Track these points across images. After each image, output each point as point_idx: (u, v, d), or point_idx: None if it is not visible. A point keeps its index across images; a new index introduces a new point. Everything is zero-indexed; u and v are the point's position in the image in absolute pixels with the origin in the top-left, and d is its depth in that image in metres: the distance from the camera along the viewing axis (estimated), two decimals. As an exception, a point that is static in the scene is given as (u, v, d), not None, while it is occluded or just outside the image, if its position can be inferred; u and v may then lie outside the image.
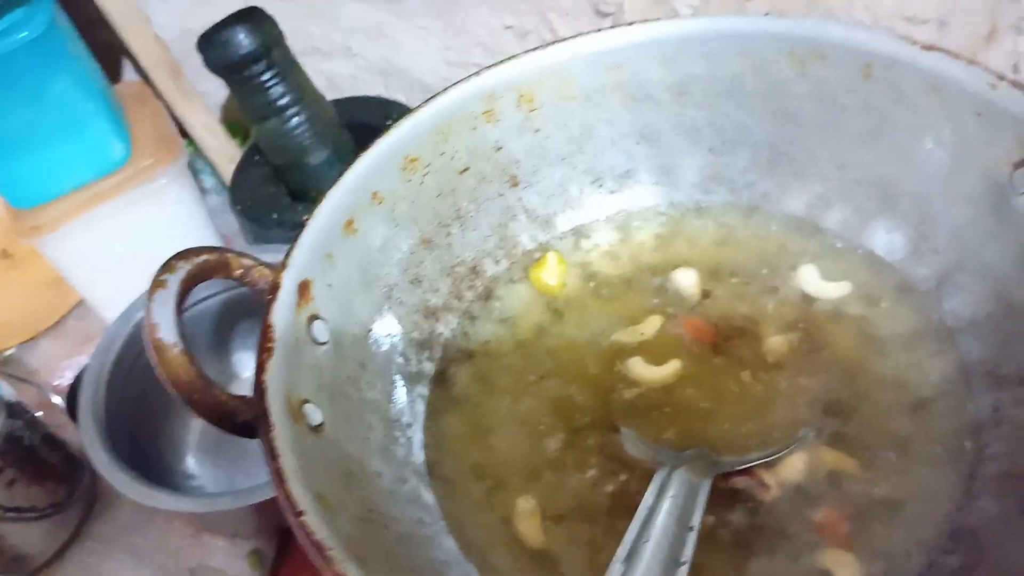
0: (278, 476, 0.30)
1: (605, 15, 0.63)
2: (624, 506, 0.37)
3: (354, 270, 0.41)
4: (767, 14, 0.43)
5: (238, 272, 0.36)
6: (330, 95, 0.67)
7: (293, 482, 0.30)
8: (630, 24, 0.45)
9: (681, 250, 0.46)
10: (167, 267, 0.33)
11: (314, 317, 0.38)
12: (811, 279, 0.43)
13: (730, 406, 0.40)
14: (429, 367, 0.44)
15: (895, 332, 0.41)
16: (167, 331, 0.31)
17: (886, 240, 0.43)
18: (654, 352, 0.42)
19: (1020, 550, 0.30)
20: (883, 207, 0.43)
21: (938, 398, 0.38)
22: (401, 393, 0.42)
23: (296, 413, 0.34)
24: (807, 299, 0.43)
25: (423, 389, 0.43)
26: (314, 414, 0.35)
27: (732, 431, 0.39)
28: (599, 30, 0.45)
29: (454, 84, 0.44)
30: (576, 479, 0.39)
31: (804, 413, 0.38)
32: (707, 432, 0.39)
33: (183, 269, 0.33)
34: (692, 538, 0.31)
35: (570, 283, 0.47)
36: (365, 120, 0.67)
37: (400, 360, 0.43)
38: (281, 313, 0.36)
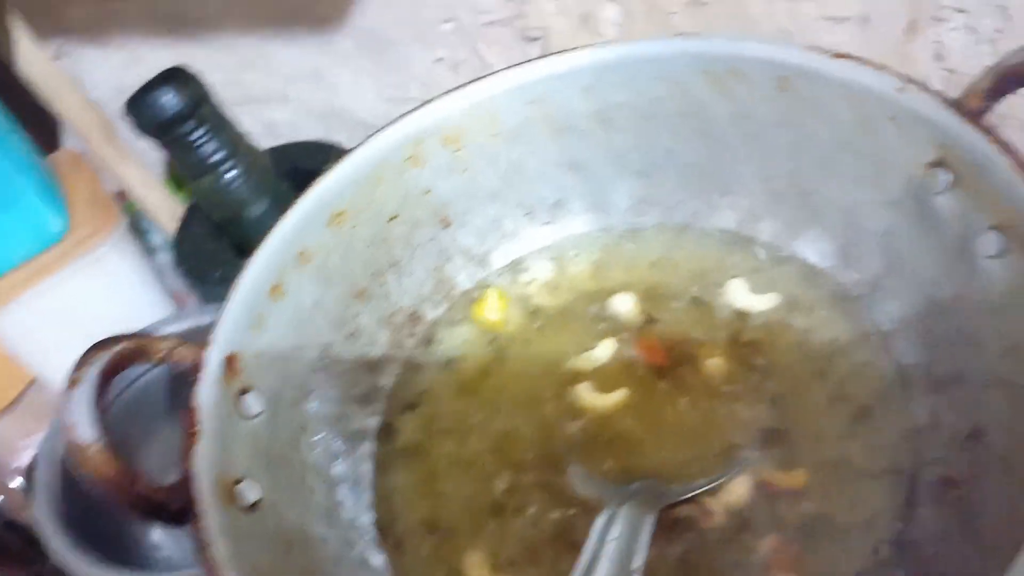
0: (210, 566, 0.30)
1: (533, 40, 0.63)
2: (573, 544, 0.36)
3: (285, 334, 0.41)
4: (680, 34, 0.43)
5: (159, 356, 0.36)
6: (270, 142, 0.66)
7: (226, 570, 0.30)
8: (546, 56, 0.45)
9: (618, 275, 0.46)
10: (83, 361, 0.33)
11: (245, 389, 0.37)
12: (740, 294, 0.43)
13: (673, 433, 0.39)
14: (373, 421, 0.43)
15: (832, 340, 0.41)
16: (85, 430, 0.31)
17: (816, 249, 0.43)
18: (605, 378, 0.42)
19: (960, 562, 0.30)
20: (810, 217, 0.43)
21: (878, 406, 0.38)
22: (344, 453, 0.41)
23: (228, 495, 0.34)
24: (740, 315, 0.43)
25: (368, 445, 0.43)
26: (249, 492, 0.35)
27: (676, 459, 0.38)
28: (518, 64, 0.45)
29: (375, 133, 0.44)
30: (524, 521, 0.38)
31: (746, 434, 0.38)
32: (652, 462, 0.39)
33: (99, 362, 0.33)
34: None
35: (512, 318, 0.46)
36: (305, 165, 0.66)
37: (342, 419, 0.42)
38: (207, 393, 0.35)
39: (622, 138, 0.46)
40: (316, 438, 0.41)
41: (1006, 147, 0.33)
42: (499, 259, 0.48)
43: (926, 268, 0.38)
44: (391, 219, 0.45)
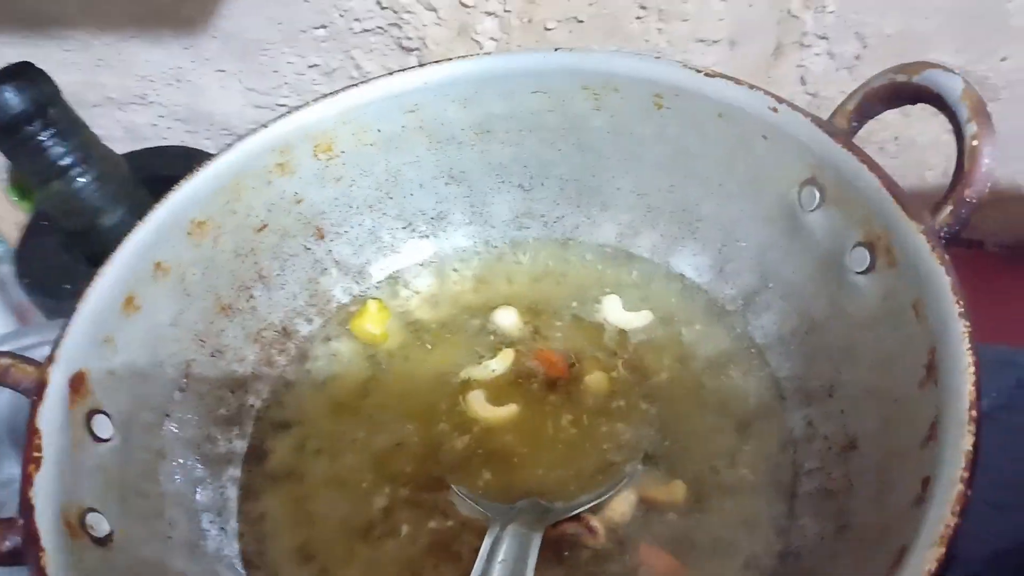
0: (48, 610, 0.27)
1: (409, 51, 0.62)
2: (453, 555, 0.35)
3: (140, 352, 0.37)
4: (557, 49, 0.43)
5: (-6, 373, 0.32)
6: (131, 146, 0.62)
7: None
8: (422, 66, 0.43)
9: (501, 289, 0.45)
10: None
11: (94, 411, 0.34)
12: (614, 310, 0.43)
13: (555, 450, 0.39)
14: (240, 444, 0.41)
15: (709, 354, 0.41)
16: None
17: (693, 264, 0.44)
18: (498, 390, 0.41)
19: (835, 568, 0.31)
20: (687, 232, 0.44)
21: (756, 419, 0.38)
22: (207, 479, 0.38)
23: (75, 528, 0.30)
24: (620, 331, 0.43)
25: (234, 471, 0.40)
26: (100, 524, 0.32)
27: (558, 476, 0.38)
28: (394, 72, 0.43)
29: (238, 140, 0.41)
30: (402, 541, 0.37)
31: (627, 451, 0.38)
32: (534, 479, 0.38)
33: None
34: None
35: (392, 332, 0.44)
36: (166, 172, 0.62)
37: (205, 443, 0.39)
38: (50, 415, 0.32)
39: (502, 150, 0.45)
40: (175, 464, 0.37)
41: (874, 165, 0.34)
42: (377, 272, 0.46)
43: (800, 283, 0.39)
44: (259, 230, 0.43)
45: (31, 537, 0.29)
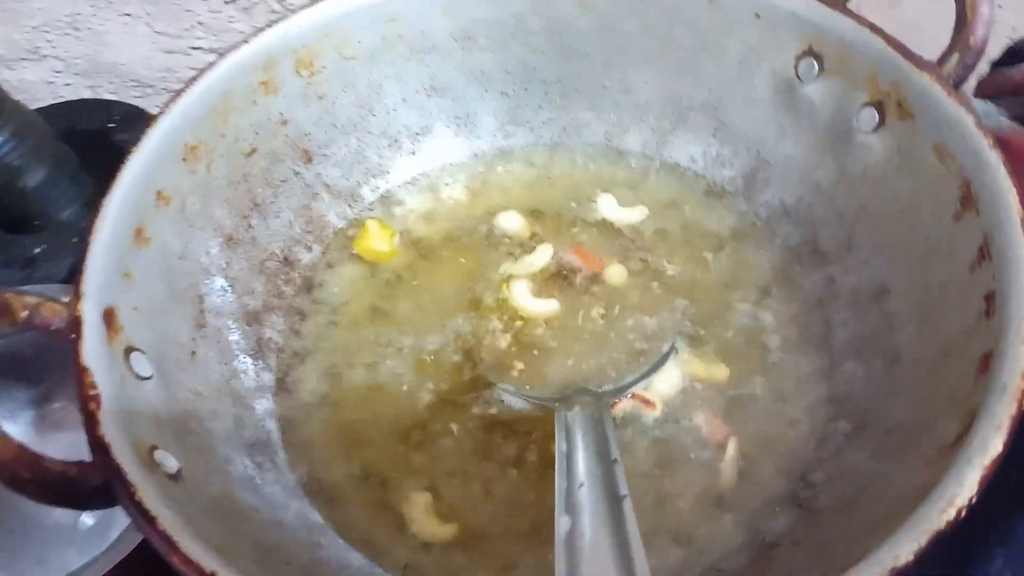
0: (165, 541, 0.25)
1: (338, -25, 0.59)
2: (515, 463, 0.35)
3: (158, 285, 0.35)
4: (538, -53, 0.43)
5: (24, 316, 0.29)
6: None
7: (187, 541, 0.25)
8: (401, -30, 0.42)
9: (496, 198, 0.45)
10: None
11: (131, 349, 0.31)
12: (609, 208, 0.44)
13: (589, 342, 0.39)
14: (268, 377, 0.39)
15: (717, 235, 0.42)
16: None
17: (687, 152, 0.45)
18: (540, 285, 0.41)
19: (897, 401, 0.33)
20: (678, 123, 0.45)
21: (775, 286, 0.40)
22: (247, 414, 0.36)
23: (150, 463, 0.28)
24: (628, 225, 0.43)
25: (268, 404, 0.38)
26: (167, 460, 0.29)
27: (596, 365, 0.38)
28: (369, -20, 0.41)
29: (223, 55, 0.39)
30: (458, 451, 0.36)
31: (657, 338, 0.39)
32: (571, 371, 0.38)
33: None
34: (620, 471, 0.30)
35: (390, 252, 0.43)
36: (83, 126, 0.57)
37: (233, 379, 0.37)
38: (93, 352, 0.29)
39: (485, 57, 0.45)
40: (209, 402, 0.35)
41: (876, 28, 0.36)
42: (369, 194, 0.45)
43: (802, 155, 0.41)
44: (249, 154, 0.40)
45: (117, 474, 0.26)
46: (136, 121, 0.58)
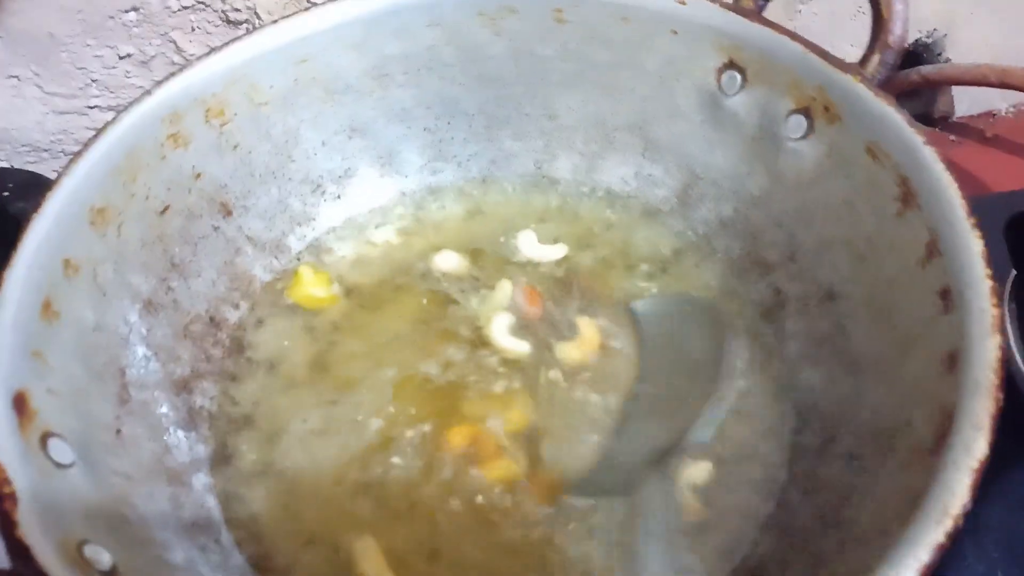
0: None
1: (238, 24, 0.57)
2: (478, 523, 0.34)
3: (73, 362, 0.32)
4: (447, -23, 0.42)
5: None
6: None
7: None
8: (309, 9, 0.40)
9: (430, 238, 0.43)
10: None
11: (47, 435, 0.28)
12: (529, 246, 0.42)
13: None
14: (202, 450, 0.36)
15: (658, 257, 0.42)
16: None
17: (618, 175, 0.44)
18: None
19: (863, 407, 0.32)
20: (605, 145, 0.44)
21: (722, 301, 0.40)
22: (184, 492, 0.34)
23: (80, 562, 0.25)
24: (559, 261, 0.42)
25: (205, 479, 0.35)
26: (100, 556, 0.27)
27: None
28: (277, 21, 0.40)
29: (124, 109, 0.36)
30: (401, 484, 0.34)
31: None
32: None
33: None
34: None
35: (324, 302, 0.41)
36: (-28, 198, 0.53)
37: (165, 455, 0.34)
38: (4, 443, 0.26)
39: (402, 93, 0.43)
40: (143, 484, 0.32)
41: (794, 35, 0.37)
42: (296, 243, 0.43)
43: (731, 167, 0.41)
44: (162, 212, 0.38)
45: (41, 578, 0.23)
46: (33, 188, 0.54)
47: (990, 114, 0.69)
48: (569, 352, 0.38)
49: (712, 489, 0.34)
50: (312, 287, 0.40)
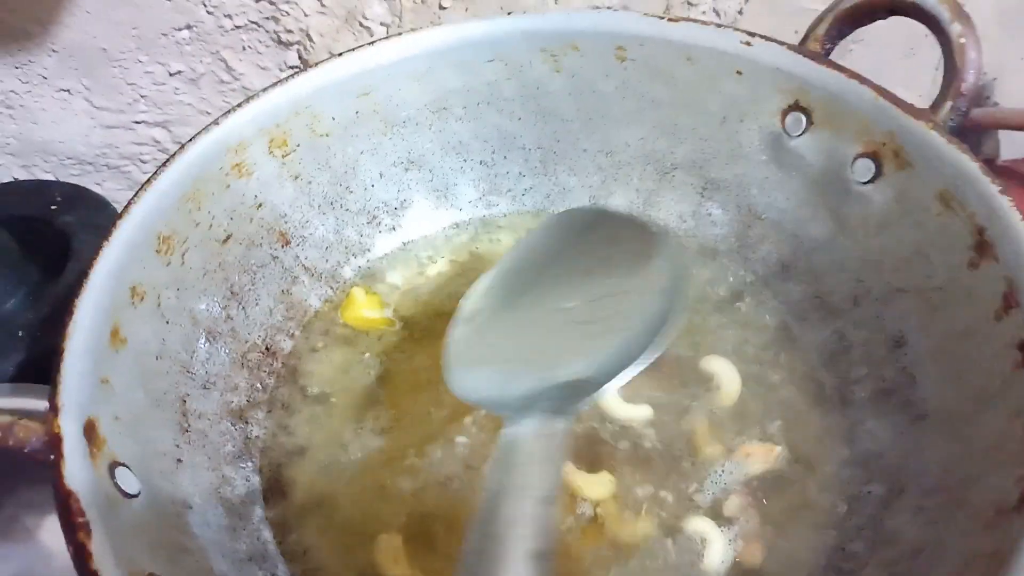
0: None
1: (289, 45, 0.58)
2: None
3: (137, 390, 0.32)
4: (510, 13, 0.42)
5: (-5, 436, 0.26)
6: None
7: None
8: (373, 43, 0.41)
9: (484, 270, 0.43)
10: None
11: (115, 464, 0.28)
12: None
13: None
14: (256, 480, 0.35)
15: (713, 298, 0.41)
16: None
17: (675, 212, 0.44)
18: None
19: (931, 459, 0.32)
20: (663, 183, 0.44)
21: (780, 346, 0.39)
22: (241, 524, 0.33)
23: (149, 597, 0.25)
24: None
25: (261, 511, 0.35)
26: (167, 589, 0.26)
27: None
28: (341, 55, 0.40)
29: (191, 139, 0.36)
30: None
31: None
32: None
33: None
34: (551, 513, 0.25)
35: (382, 332, 0.41)
36: (18, 212, 0.54)
37: (223, 486, 0.34)
38: (77, 472, 0.26)
39: (460, 127, 0.43)
40: (201, 514, 0.32)
41: (864, 79, 0.36)
42: (349, 273, 0.43)
43: (793, 208, 0.40)
44: (223, 241, 0.38)
45: (114, 616, 0.23)
46: (79, 201, 0.55)
47: (1036, 158, 0.69)
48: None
49: (769, 534, 0.33)
50: (365, 308, 0.40)
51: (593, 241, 0.35)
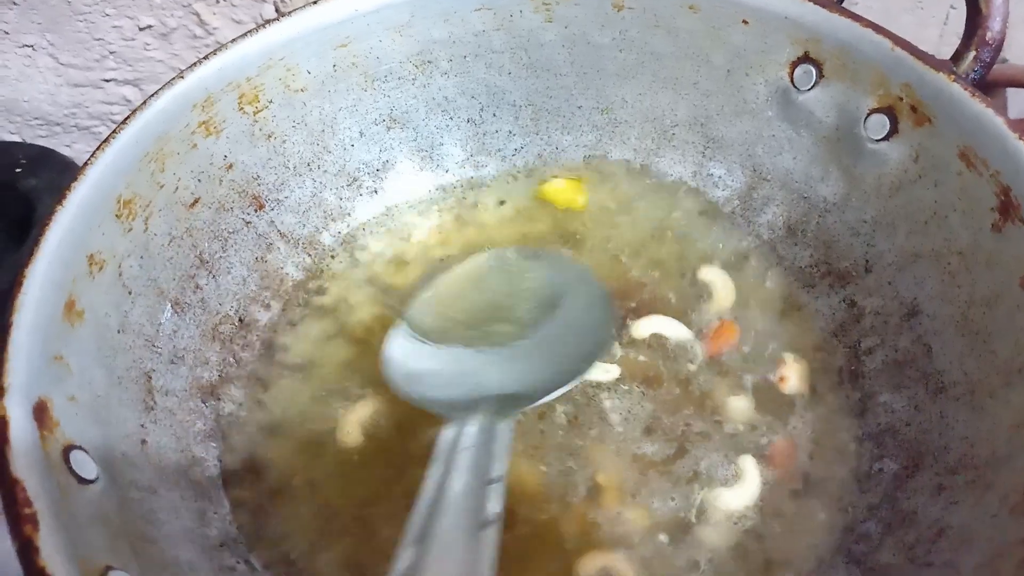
0: None
1: (265, -1, 0.54)
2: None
3: (96, 368, 0.29)
4: (503, -43, 0.39)
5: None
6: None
7: None
8: (349, -11, 0.38)
9: (472, 237, 0.41)
10: None
11: (70, 448, 0.26)
12: None
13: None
14: (229, 461, 0.33)
15: (714, 258, 0.39)
16: None
17: (676, 173, 0.41)
18: None
19: (953, 435, 0.30)
20: (662, 142, 0.41)
21: (787, 315, 0.37)
22: (212, 507, 0.31)
23: (105, 593, 0.23)
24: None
25: (236, 491, 0.32)
26: (126, 583, 0.24)
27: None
28: (315, 1, 0.37)
29: (153, 94, 0.34)
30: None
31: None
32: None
33: None
34: (498, 491, 0.26)
35: (363, 303, 0.38)
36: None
37: (192, 467, 0.32)
38: (25, 459, 0.24)
39: (446, 82, 0.41)
40: (169, 498, 0.30)
41: (880, 28, 0.34)
42: (330, 239, 0.40)
43: (802, 169, 0.38)
44: (191, 205, 0.35)
45: (63, 617, 0.21)
46: (45, 164, 0.52)
47: (1044, 117, 0.66)
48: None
49: (777, 517, 0.31)
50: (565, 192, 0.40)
51: (524, 275, 0.37)
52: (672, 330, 0.36)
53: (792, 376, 0.34)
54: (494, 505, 0.25)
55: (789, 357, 0.35)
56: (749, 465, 0.32)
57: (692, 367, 0.35)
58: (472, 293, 0.36)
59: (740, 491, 0.31)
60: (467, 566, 0.23)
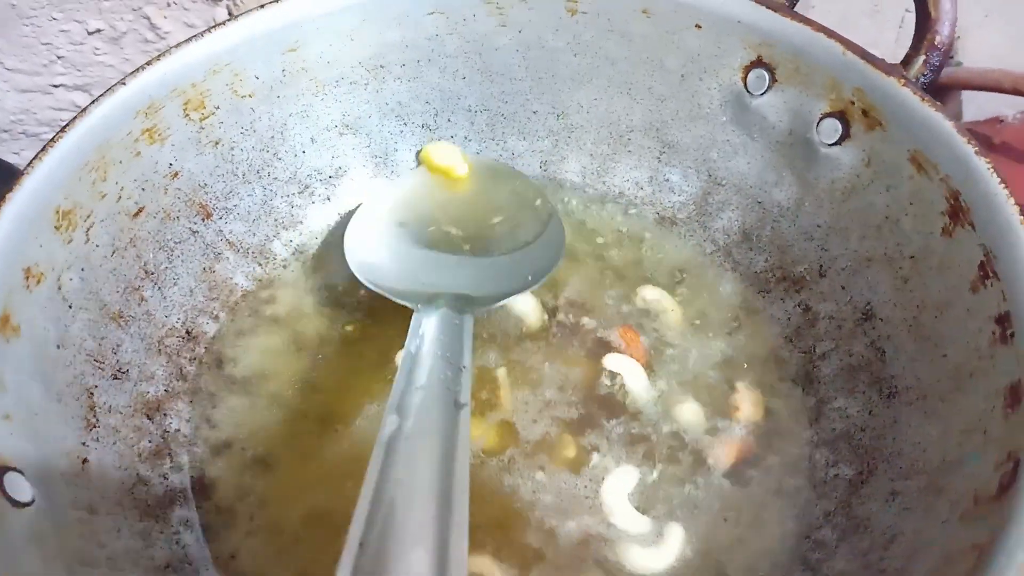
0: None
1: (217, 0, 0.53)
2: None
3: (33, 384, 0.28)
4: (451, -40, 0.38)
5: None
6: None
7: None
8: (299, -8, 0.37)
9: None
10: None
11: (3, 469, 0.25)
12: None
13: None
14: (178, 479, 0.32)
15: (674, 267, 0.39)
16: None
17: (631, 179, 0.41)
18: None
19: (905, 440, 0.30)
20: (618, 147, 0.41)
21: (742, 320, 0.37)
22: (157, 527, 0.30)
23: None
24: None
25: (182, 512, 0.31)
26: (60, 611, 0.23)
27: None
28: (268, 4, 0.36)
29: (94, 101, 0.33)
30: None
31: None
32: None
33: None
34: (467, 378, 0.28)
35: (311, 314, 0.38)
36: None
37: (137, 486, 0.31)
38: (-49, 484, 0.23)
39: (399, 87, 0.40)
40: (112, 519, 0.29)
41: (831, 32, 0.34)
42: (281, 248, 0.39)
43: (756, 174, 0.38)
44: (135, 215, 0.34)
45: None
46: (-9, 176, 0.50)
47: (997, 120, 0.67)
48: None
49: (734, 520, 0.31)
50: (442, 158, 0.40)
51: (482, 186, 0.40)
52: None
53: (745, 404, 0.34)
54: (465, 392, 0.27)
55: (741, 385, 0.35)
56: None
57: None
58: (423, 202, 0.39)
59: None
60: (445, 439, 0.25)
